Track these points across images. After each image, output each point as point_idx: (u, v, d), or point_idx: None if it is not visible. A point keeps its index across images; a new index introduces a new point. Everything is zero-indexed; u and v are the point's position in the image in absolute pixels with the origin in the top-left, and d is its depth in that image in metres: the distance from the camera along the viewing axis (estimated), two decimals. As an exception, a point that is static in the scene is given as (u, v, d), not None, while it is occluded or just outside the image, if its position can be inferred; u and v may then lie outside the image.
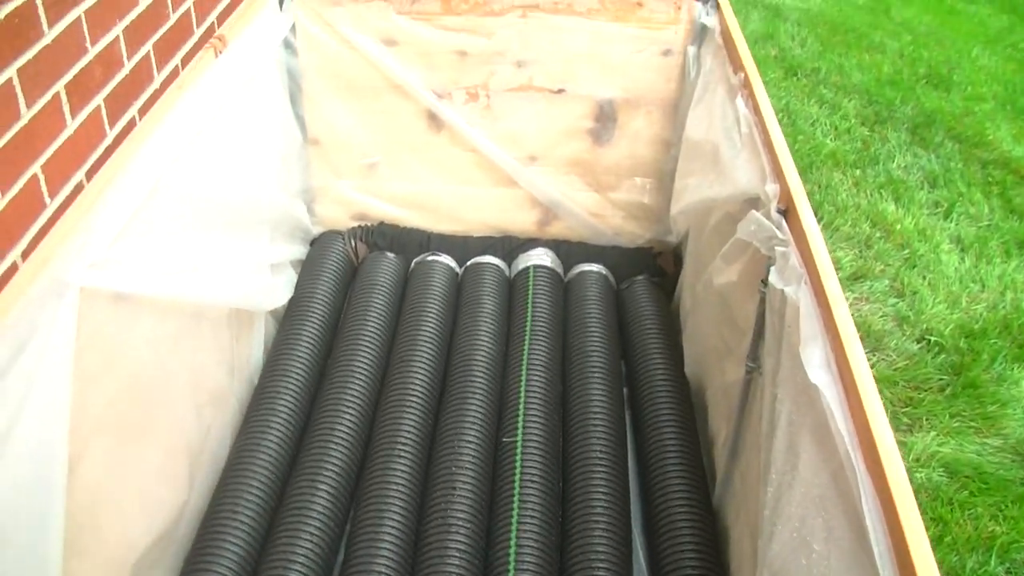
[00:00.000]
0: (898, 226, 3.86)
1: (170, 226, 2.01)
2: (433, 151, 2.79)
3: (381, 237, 2.87)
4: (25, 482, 1.52)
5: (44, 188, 1.88)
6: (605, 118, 2.72)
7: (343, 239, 2.88)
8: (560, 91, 2.69)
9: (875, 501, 1.32)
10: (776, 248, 1.81)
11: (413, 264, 2.84)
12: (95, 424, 1.74)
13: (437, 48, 2.64)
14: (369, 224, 2.92)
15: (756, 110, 2.11)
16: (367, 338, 2.48)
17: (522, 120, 2.73)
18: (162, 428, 2.00)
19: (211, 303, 2.20)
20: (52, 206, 1.91)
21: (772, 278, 1.79)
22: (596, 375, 2.40)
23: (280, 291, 2.58)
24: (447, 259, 2.82)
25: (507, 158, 2.76)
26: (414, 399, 2.32)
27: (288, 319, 2.56)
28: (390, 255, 2.82)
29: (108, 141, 2.12)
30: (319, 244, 2.86)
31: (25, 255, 1.83)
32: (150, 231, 1.92)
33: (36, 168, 1.85)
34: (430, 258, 2.81)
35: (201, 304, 2.16)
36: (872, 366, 3.14)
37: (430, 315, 2.56)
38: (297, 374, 2.37)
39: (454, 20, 2.61)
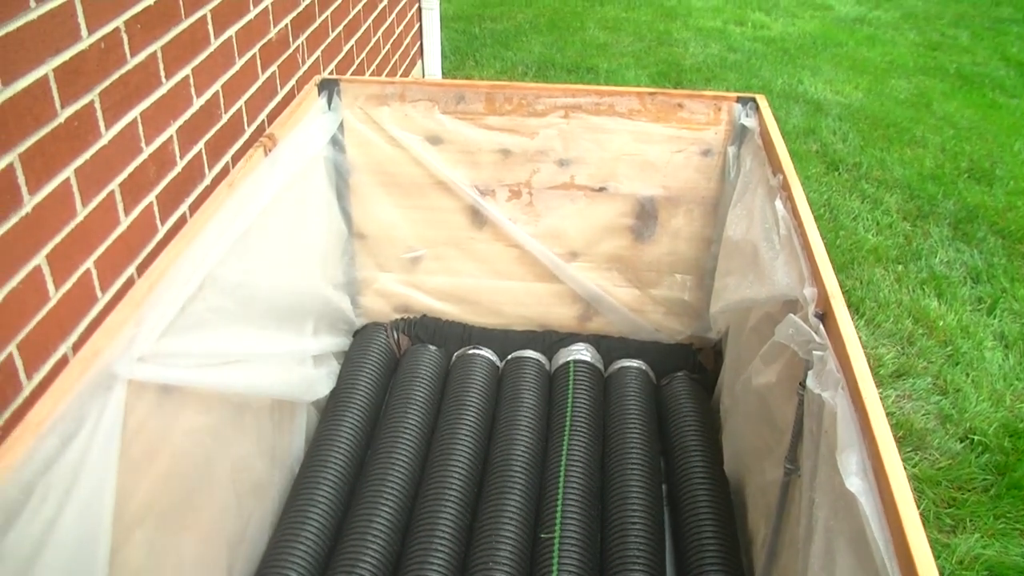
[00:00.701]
0: (941, 323, 3.85)
1: (216, 320, 2.05)
2: (476, 246, 2.83)
3: (423, 329, 2.91)
4: (69, 568, 1.55)
5: (96, 282, 1.94)
6: (646, 215, 2.75)
7: (385, 331, 2.92)
8: (601, 189, 2.73)
9: (911, 613, 1.31)
10: (814, 352, 1.82)
11: (454, 357, 2.87)
12: (137, 512, 1.77)
13: (481, 147, 2.70)
14: (411, 316, 2.96)
15: (795, 213, 2.13)
16: (407, 430, 2.50)
17: (564, 217, 2.78)
18: (202, 517, 2.03)
19: (254, 394, 2.24)
20: (103, 300, 1.97)
21: (810, 382, 1.80)
22: (635, 471, 2.40)
23: (322, 382, 2.62)
24: (488, 352, 2.84)
25: (549, 254, 2.79)
26: (452, 492, 2.33)
27: (329, 410, 2.59)
28: (432, 348, 2.85)
29: (159, 236, 2.18)
30: (362, 336, 2.90)
31: (76, 348, 1.88)
32: (197, 325, 1.96)
33: (89, 263, 1.91)
34: (471, 351, 2.83)
35: (244, 395, 2.19)
36: (914, 465, 3.12)
37: (470, 408, 2.58)
38: (337, 465, 2.39)
39: (498, 120, 2.67)
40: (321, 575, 2.18)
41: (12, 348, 1.70)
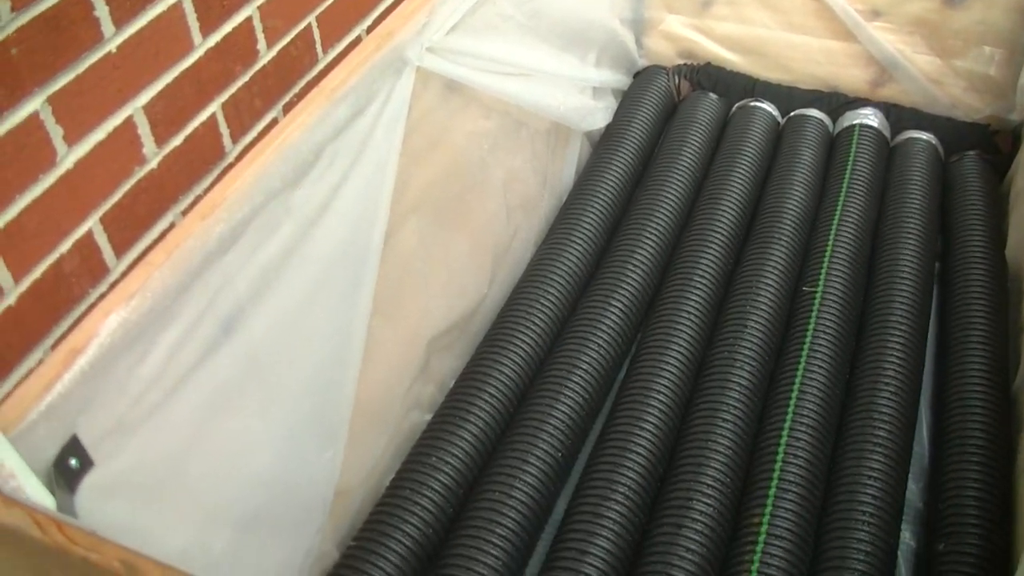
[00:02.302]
0: None
1: (505, 27, 2.07)
2: (772, -7, 2.70)
3: (706, 77, 2.83)
4: (350, 230, 1.64)
5: (393, -29, 1.97)
6: (962, -24, 2.54)
7: (667, 75, 2.85)
8: (918, -58, 2.52)
9: None
10: None
11: (735, 108, 2.79)
12: (414, 200, 1.85)
13: None
14: (695, 63, 2.88)
15: None
16: (678, 170, 2.48)
17: (872, -30, 2.59)
18: (473, 220, 2.10)
19: (533, 111, 2.25)
20: (399, -9, 2.00)
21: None
22: (909, 242, 2.30)
23: (599, 114, 2.60)
24: (770, 107, 2.74)
25: (849, 9, 2.61)
26: (717, 236, 2.31)
27: (603, 143, 2.59)
28: (712, 96, 2.78)
29: (456, -63, 2.18)
30: (643, 76, 2.85)
31: (369, 31, 1.92)
32: (485, 28, 1.99)
33: (385, -49, 1.94)
34: (752, 103, 2.74)
35: (523, 110, 2.21)
36: None
37: (745, 157, 2.52)
38: (605, 195, 2.40)
39: None
40: (578, 295, 2.23)
41: (311, 19, 1.75)
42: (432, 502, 1.82)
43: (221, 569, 1.45)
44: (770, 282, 2.20)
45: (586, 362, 2.04)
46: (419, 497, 1.81)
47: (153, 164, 1.51)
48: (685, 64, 2.89)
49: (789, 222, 2.34)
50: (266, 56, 1.67)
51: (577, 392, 2.00)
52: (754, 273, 2.22)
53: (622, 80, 2.80)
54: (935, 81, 2.67)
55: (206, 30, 1.53)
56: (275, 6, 1.64)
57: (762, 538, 1.77)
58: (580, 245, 2.28)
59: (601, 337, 2.09)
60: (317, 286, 1.59)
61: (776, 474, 1.87)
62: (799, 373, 2.02)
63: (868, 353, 2.10)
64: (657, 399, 1.98)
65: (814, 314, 2.13)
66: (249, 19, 1.60)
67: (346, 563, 1.72)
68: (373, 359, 1.77)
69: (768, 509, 1.82)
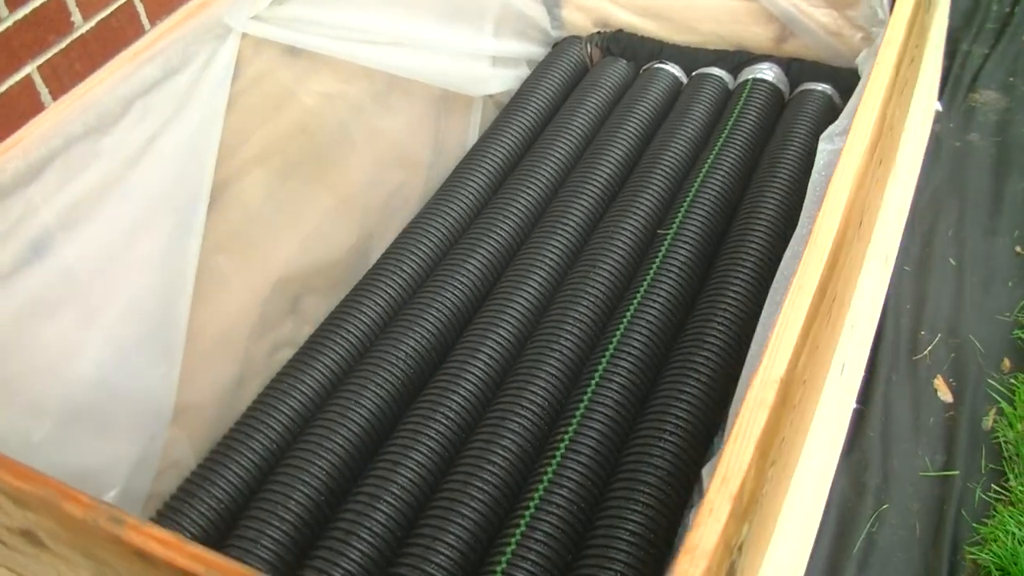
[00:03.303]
0: None
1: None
2: (670, -43, 2.81)
3: (616, 43, 2.95)
4: (172, 177, 1.86)
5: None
6: (846, -77, 2.60)
7: (581, 44, 3.00)
8: None
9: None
10: (873, 29, 1.76)
11: (641, 71, 2.91)
12: (256, 154, 2.05)
13: None
14: (607, 31, 3.01)
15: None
16: (568, 129, 2.61)
17: (761, -74, 2.68)
18: (335, 176, 2.28)
19: (408, 76, 2.43)
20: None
21: (859, 59, 1.75)
22: (775, 185, 2.36)
23: (496, 81, 2.75)
24: (672, 67, 2.85)
25: (743, -34, 2.72)
26: (589, 187, 2.43)
27: (504, 110, 2.75)
28: (621, 61, 2.90)
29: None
30: (558, 47, 3.00)
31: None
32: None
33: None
34: (657, 65, 2.85)
35: (396, 76, 2.38)
36: None
37: (634, 115, 2.64)
38: (494, 156, 2.55)
39: None
40: (458, 236, 2.39)
41: (134, -10, 1.99)
42: (279, 422, 2.03)
43: (43, 453, 1.68)
44: (628, 227, 2.31)
45: (440, 303, 2.20)
46: (267, 417, 2.02)
47: (-33, 116, 1.77)
48: (597, 32, 3.02)
49: (660, 171, 2.45)
50: (83, 27, 1.90)
51: (427, 329, 2.16)
52: (616, 219, 2.34)
53: (535, 51, 2.95)
54: (833, 33, 2.73)
55: (12, 5, 1.78)
56: (89, -15, 1.89)
57: (562, 450, 1.91)
58: (461, 201, 2.43)
59: (460, 281, 2.24)
60: (140, 222, 1.82)
61: (587, 398, 1.98)
62: (631, 309, 2.13)
63: (710, 289, 2.19)
64: (497, 333, 2.13)
65: (661, 254, 2.24)
66: (60, -5, 1.86)
67: (199, 470, 1.95)
68: (219, 291, 1.99)
69: (573, 427, 1.93)
